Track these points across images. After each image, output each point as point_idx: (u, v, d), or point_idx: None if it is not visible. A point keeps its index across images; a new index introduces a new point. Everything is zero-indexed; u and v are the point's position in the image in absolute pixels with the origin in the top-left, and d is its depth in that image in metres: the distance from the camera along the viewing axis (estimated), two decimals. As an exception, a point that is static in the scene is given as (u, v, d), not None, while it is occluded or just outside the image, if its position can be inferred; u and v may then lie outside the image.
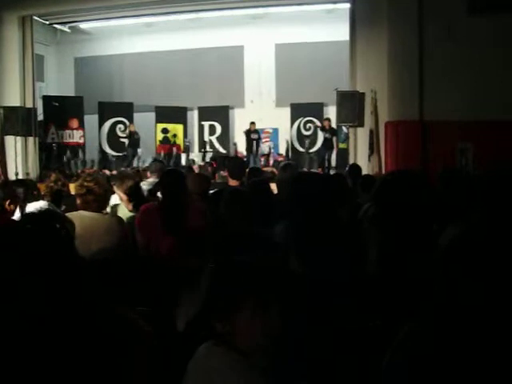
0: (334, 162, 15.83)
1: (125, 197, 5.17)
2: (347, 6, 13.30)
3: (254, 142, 17.03)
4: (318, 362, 2.22)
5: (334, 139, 15.98)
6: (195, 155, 18.26)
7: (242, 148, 18.05)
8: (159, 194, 4.98)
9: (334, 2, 15.08)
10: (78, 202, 4.19)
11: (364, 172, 8.71)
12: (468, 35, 10.98)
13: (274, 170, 12.16)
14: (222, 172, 13.53)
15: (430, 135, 11.55)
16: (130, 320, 1.86)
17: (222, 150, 18.51)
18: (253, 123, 17.10)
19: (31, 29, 15.04)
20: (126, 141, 17.73)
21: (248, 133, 17.04)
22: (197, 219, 4.16)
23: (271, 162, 17.22)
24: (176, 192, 4.32)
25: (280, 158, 17.10)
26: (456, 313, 1.52)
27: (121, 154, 18.08)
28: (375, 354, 1.64)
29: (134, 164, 16.60)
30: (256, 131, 17.15)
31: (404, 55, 11.66)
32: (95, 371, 1.66)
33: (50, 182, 5.72)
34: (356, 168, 8.36)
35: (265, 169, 13.11)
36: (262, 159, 17.35)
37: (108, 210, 5.12)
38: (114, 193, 5.84)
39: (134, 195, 5.13)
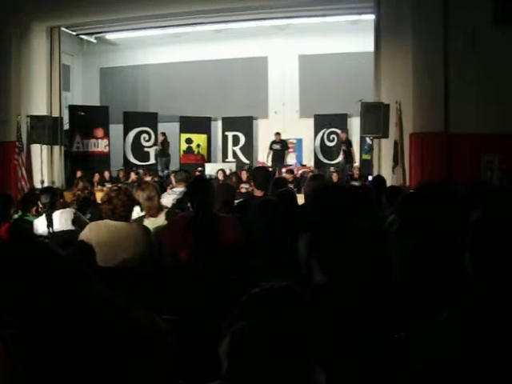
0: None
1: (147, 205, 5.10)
2: (371, 17, 13.25)
3: (275, 153, 17.03)
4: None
5: (353, 150, 16.13)
6: (219, 165, 18.22)
7: (261, 158, 18.15)
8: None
9: (358, 14, 15.08)
10: (104, 210, 4.22)
11: (388, 184, 8.66)
12: (493, 46, 10.90)
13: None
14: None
15: (454, 147, 11.47)
16: (146, 321, 1.84)
17: (245, 160, 18.55)
18: (277, 134, 17.12)
19: (59, 39, 15.25)
20: (152, 150, 17.94)
21: (271, 143, 17.07)
22: (229, 231, 4.00)
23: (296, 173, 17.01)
24: (206, 202, 4.16)
25: (304, 169, 17.02)
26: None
27: (145, 164, 18.24)
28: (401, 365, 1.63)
29: (160, 173, 16.64)
30: (281, 141, 17.15)
31: (429, 66, 11.62)
32: (101, 371, 1.66)
33: (77, 190, 5.79)
34: (380, 179, 8.32)
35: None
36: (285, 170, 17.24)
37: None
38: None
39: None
